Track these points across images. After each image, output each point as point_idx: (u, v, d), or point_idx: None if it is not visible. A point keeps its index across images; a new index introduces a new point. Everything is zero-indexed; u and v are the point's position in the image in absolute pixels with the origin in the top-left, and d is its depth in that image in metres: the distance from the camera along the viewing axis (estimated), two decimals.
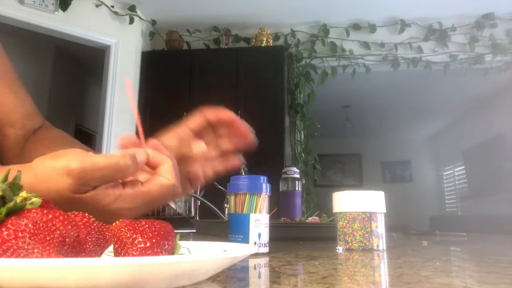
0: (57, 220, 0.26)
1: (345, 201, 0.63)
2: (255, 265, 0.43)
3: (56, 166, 0.35)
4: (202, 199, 1.59)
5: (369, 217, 0.61)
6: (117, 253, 0.29)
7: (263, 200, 0.57)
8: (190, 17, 3.50)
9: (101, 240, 0.30)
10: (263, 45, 3.38)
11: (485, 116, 5.11)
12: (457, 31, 3.40)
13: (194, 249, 0.38)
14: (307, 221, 1.04)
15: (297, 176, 1.32)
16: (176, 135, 0.49)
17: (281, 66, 3.31)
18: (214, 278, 0.32)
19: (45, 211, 0.26)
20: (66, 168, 0.34)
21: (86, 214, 0.30)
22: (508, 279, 0.34)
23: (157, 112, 3.15)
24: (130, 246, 0.28)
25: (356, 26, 3.49)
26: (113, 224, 0.29)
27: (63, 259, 0.24)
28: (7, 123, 0.62)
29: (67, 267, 0.21)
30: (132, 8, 3.28)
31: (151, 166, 0.40)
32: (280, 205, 1.29)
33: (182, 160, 0.47)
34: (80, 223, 0.29)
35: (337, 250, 0.61)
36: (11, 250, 0.24)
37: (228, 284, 0.32)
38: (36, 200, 0.26)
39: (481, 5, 3.26)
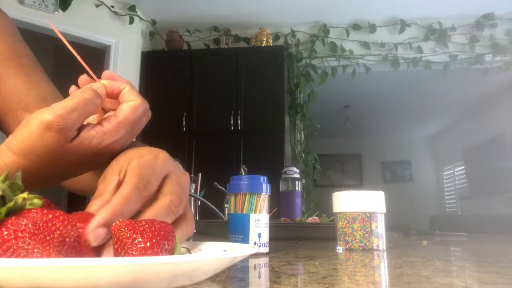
0: (57, 220, 0.26)
1: (345, 201, 0.63)
2: (255, 265, 0.43)
3: (31, 129, 0.34)
4: (202, 199, 1.59)
5: (369, 217, 0.61)
6: (117, 253, 0.29)
7: (263, 200, 0.57)
8: (190, 17, 3.50)
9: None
10: (263, 45, 3.38)
11: (485, 116, 5.11)
12: (457, 31, 3.40)
13: (194, 249, 0.38)
14: (307, 221, 1.04)
15: (297, 176, 1.32)
16: None
17: (281, 66, 3.31)
18: (214, 278, 0.32)
19: (45, 211, 0.26)
20: (42, 124, 0.33)
21: (88, 213, 0.30)
22: (508, 279, 0.34)
23: (157, 112, 3.15)
24: (130, 246, 0.28)
25: (356, 26, 3.49)
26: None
27: (63, 259, 0.24)
28: (21, 107, 0.59)
29: (67, 267, 0.21)
30: (132, 8, 3.28)
31: (113, 95, 0.41)
32: (280, 205, 1.29)
33: None
34: (81, 224, 0.29)
35: (337, 250, 0.61)
36: (11, 250, 0.24)
37: (228, 284, 0.32)
38: (36, 200, 0.27)
39: (481, 5, 3.26)
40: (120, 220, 0.29)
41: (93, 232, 0.29)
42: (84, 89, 0.37)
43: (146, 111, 0.41)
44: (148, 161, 0.36)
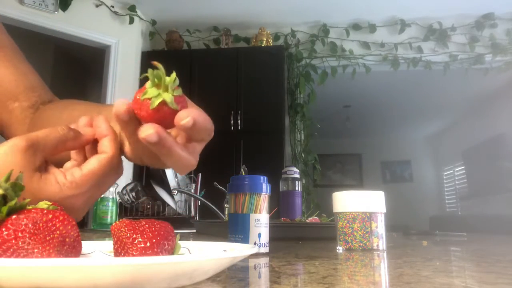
0: (57, 220, 0.26)
1: (345, 201, 0.63)
2: (255, 265, 0.43)
3: (3, 150, 0.34)
4: (202, 199, 1.59)
5: (369, 217, 0.61)
6: (117, 253, 0.29)
7: (263, 200, 0.57)
8: (190, 17, 3.50)
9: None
10: (263, 45, 3.38)
11: (485, 116, 5.11)
12: (457, 31, 3.40)
13: (194, 249, 0.38)
14: (307, 221, 1.04)
15: (297, 176, 1.32)
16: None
17: (281, 66, 3.31)
18: (214, 278, 0.32)
19: (45, 211, 0.26)
20: (14, 145, 0.34)
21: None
22: (508, 279, 0.34)
23: None
24: (130, 246, 0.28)
25: (356, 26, 3.49)
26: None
27: (63, 259, 0.24)
28: (10, 97, 0.59)
29: (67, 267, 0.21)
30: (132, 8, 3.28)
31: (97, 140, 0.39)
32: (280, 205, 1.29)
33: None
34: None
35: (337, 250, 0.61)
36: (11, 250, 0.24)
37: (228, 284, 0.32)
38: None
39: (481, 5, 3.26)
40: (120, 220, 0.29)
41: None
42: (62, 125, 0.37)
43: (118, 166, 0.39)
44: None
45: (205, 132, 0.36)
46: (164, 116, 0.32)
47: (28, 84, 0.62)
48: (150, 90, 0.32)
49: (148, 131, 0.31)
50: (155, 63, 0.32)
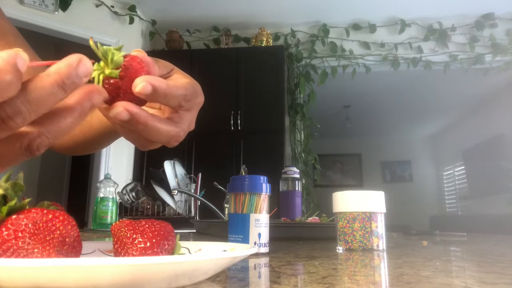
0: (57, 220, 0.26)
1: (345, 201, 0.63)
2: (255, 265, 0.43)
3: None
4: (202, 199, 1.59)
5: (369, 217, 0.61)
6: (117, 253, 0.29)
7: (263, 200, 0.57)
8: (190, 17, 3.50)
9: None
10: (263, 45, 3.38)
11: (485, 116, 5.11)
12: (457, 31, 3.40)
13: (194, 249, 0.38)
14: (307, 221, 1.04)
15: (297, 176, 1.32)
16: None
17: (281, 66, 3.31)
18: (214, 278, 0.32)
19: (45, 211, 0.26)
20: None
21: None
22: (508, 279, 0.34)
23: None
24: (130, 246, 0.28)
25: (356, 26, 3.49)
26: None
27: (63, 259, 0.24)
28: None
29: (67, 267, 0.21)
30: (132, 8, 3.28)
31: None
32: (280, 205, 1.29)
33: None
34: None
35: (337, 250, 0.61)
36: (11, 250, 0.24)
37: (228, 284, 0.31)
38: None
39: (481, 5, 3.26)
40: (120, 220, 0.29)
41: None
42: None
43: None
44: None
45: (180, 97, 0.32)
46: (117, 90, 0.29)
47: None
48: (95, 71, 0.30)
49: (116, 109, 0.29)
50: (91, 41, 0.30)
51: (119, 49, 0.30)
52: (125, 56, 0.30)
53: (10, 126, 0.24)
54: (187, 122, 0.36)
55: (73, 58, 0.26)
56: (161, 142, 0.34)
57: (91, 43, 0.30)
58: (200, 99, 0.36)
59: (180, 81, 0.35)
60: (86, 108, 0.27)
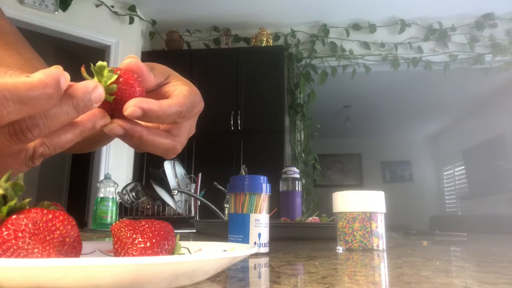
0: (57, 220, 0.26)
1: (345, 201, 0.63)
2: (255, 265, 0.43)
3: None
4: (202, 199, 1.59)
5: (369, 217, 0.61)
6: (117, 253, 0.29)
7: (263, 200, 0.57)
8: (190, 17, 3.50)
9: None
10: (263, 45, 3.38)
11: (485, 116, 5.11)
12: (457, 31, 3.40)
13: (194, 249, 0.38)
14: (307, 221, 1.04)
15: (297, 176, 1.32)
16: None
17: (281, 66, 3.31)
18: (214, 278, 0.32)
19: (45, 211, 0.26)
20: None
21: None
22: (508, 279, 0.34)
23: None
24: (130, 246, 0.28)
25: (356, 26, 3.49)
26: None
27: (63, 259, 0.24)
28: None
29: (67, 267, 0.21)
30: (132, 8, 3.28)
31: None
32: (280, 205, 1.29)
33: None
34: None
35: (337, 250, 0.61)
36: (11, 250, 0.24)
37: (228, 284, 0.31)
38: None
39: (481, 5, 3.26)
40: (120, 220, 0.29)
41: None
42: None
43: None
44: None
45: (173, 116, 0.32)
46: (112, 111, 0.31)
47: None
48: None
49: (110, 125, 0.31)
50: (83, 70, 0.31)
51: (112, 70, 0.31)
52: (119, 75, 0.31)
53: (27, 137, 0.26)
54: (186, 132, 0.37)
55: (90, 84, 0.28)
56: (158, 154, 0.35)
57: (83, 72, 0.31)
58: (199, 107, 0.36)
59: (177, 93, 0.35)
60: (87, 128, 0.29)
